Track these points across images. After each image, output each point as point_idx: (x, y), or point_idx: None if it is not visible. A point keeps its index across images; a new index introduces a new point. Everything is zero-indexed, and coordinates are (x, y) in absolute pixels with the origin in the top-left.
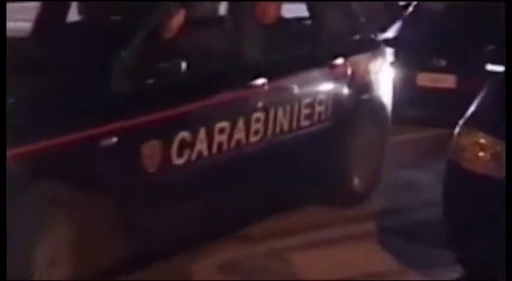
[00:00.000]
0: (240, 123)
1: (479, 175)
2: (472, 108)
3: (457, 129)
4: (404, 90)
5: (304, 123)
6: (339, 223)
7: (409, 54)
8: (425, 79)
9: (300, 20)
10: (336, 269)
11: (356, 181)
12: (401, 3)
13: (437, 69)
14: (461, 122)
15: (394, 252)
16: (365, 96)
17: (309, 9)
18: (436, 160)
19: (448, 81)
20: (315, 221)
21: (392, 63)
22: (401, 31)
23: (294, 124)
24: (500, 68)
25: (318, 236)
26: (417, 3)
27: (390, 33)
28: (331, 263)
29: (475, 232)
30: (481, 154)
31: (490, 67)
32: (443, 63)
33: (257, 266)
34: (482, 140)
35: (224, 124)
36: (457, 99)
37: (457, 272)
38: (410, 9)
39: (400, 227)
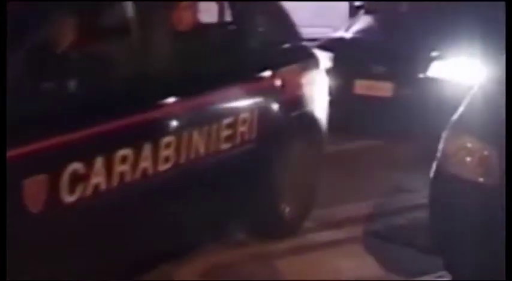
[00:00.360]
0: (147, 150)
1: (466, 180)
2: (459, 111)
3: (444, 133)
4: (342, 98)
5: (225, 146)
6: (324, 228)
7: (347, 60)
8: (362, 87)
9: (221, 25)
10: (322, 274)
11: (287, 209)
12: (357, 3)
13: (375, 77)
14: (448, 125)
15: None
16: (296, 113)
17: (232, 12)
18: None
19: (385, 89)
20: (303, 226)
21: (329, 70)
22: (343, 34)
23: (212, 148)
24: (439, 75)
25: (303, 240)
26: (367, 5)
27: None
28: (317, 268)
29: (461, 238)
30: (468, 158)
31: (430, 74)
32: (381, 70)
33: (242, 272)
34: (469, 145)
35: (126, 152)
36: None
37: (445, 278)
38: (361, 11)
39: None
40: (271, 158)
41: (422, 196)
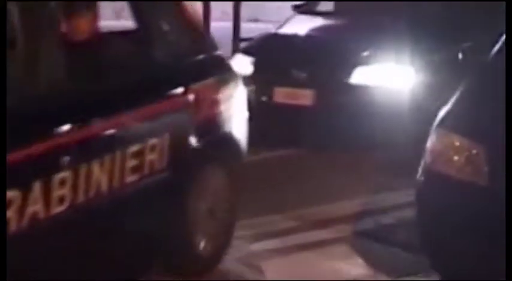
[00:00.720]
0: (36, 191)
1: (453, 179)
2: (446, 109)
3: (431, 132)
4: (262, 106)
5: (131, 178)
6: (310, 228)
7: (268, 66)
8: (282, 94)
9: (125, 34)
10: (309, 275)
11: (202, 244)
12: (297, 3)
13: (296, 84)
14: (435, 124)
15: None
16: (212, 135)
17: (136, 18)
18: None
19: (305, 97)
20: (286, 226)
21: (250, 76)
22: (268, 38)
23: (116, 182)
24: (364, 82)
25: (289, 241)
26: (302, 5)
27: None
28: (304, 269)
29: (449, 238)
30: (455, 157)
31: (352, 81)
32: (302, 76)
33: (227, 274)
34: (457, 143)
35: (11, 194)
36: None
37: (433, 277)
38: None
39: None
40: (184, 188)
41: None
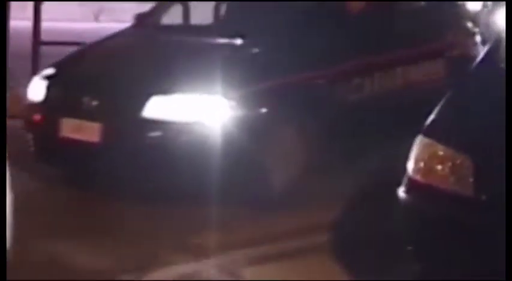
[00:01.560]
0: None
1: (437, 189)
2: (430, 118)
3: (415, 141)
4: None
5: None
6: (294, 235)
7: (59, 91)
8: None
9: None
10: None
11: None
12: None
13: (84, 115)
14: (421, 131)
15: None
16: None
17: None
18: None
19: (92, 131)
20: (269, 233)
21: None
22: (73, 56)
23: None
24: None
25: (272, 249)
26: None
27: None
28: (287, 278)
29: (437, 247)
30: (439, 167)
31: (145, 114)
32: (92, 106)
33: None
34: (440, 153)
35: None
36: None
37: None
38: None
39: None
40: None
41: None
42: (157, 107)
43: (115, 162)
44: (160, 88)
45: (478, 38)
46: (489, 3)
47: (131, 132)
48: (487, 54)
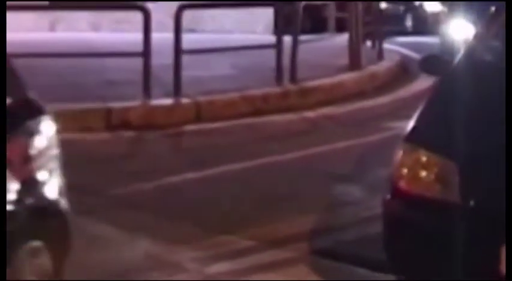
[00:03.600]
0: None
1: (422, 196)
2: (412, 123)
3: (398, 146)
4: None
5: None
6: (268, 247)
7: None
8: None
9: None
10: None
11: None
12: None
13: None
14: (403, 137)
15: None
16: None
17: None
18: None
19: None
20: (243, 246)
21: None
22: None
23: None
24: None
25: (246, 262)
26: None
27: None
28: None
29: (421, 257)
30: (423, 173)
31: None
32: None
33: None
34: (423, 158)
35: None
36: None
37: None
38: None
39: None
40: None
41: None
42: None
43: None
44: None
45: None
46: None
47: None
48: (465, 54)
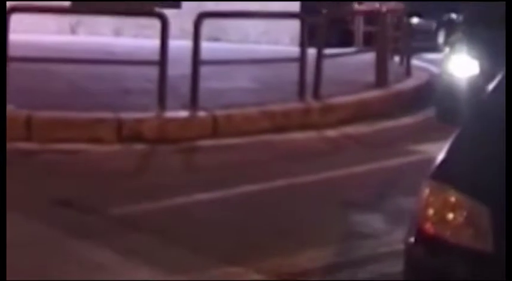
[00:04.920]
0: None
1: (449, 242)
2: (441, 158)
3: (423, 184)
4: None
5: None
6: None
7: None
8: None
9: None
10: None
11: None
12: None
13: None
14: (428, 174)
15: None
16: None
17: None
18: None
19: None
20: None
21: None
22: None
23: None
24: None
25: None
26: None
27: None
28: None
29: None
30: (451, 216)
31: None
32: None
33: None
34: (453, 199)
35: None
36: None
37: None
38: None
39: None
40: None
41: None
42: None
43: None
44: None
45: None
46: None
47: None
48: (498, 84)
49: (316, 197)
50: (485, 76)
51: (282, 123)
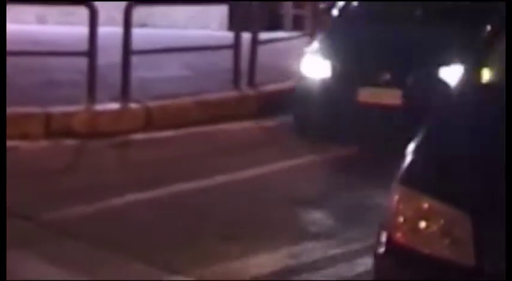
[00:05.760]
0: None
1: (423, 254)
2: (408, 159)
3: (392, 190)
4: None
5: None
6: None
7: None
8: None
9: None
10: None
11: None
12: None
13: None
14: (396, 178)
15: None
16: None
17: None
18: None
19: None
20: None
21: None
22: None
23: None
24: None
25: None
26: (345, 6)
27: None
28: None
29: None
30: (423, 225)
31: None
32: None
33: None
34: (425, 206)
35: None
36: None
37: None
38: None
39: None
40: None
41: None
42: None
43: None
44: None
45: None
46: None
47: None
48: (464, 76)
49: (259, 193)
50: (337, 78)
51: (217, 113)
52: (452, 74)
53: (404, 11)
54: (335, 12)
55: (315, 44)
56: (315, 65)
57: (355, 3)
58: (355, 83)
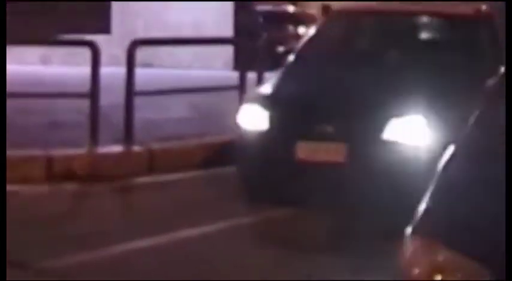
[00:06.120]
0: None
1: None
2: (422, 208)
3: (406, 239)
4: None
5: None
6: None
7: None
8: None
9: None
10: None
11: None
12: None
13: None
14: (410, 227)
15: None
16: None
17: None
18: None
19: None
20: None
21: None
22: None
23: None
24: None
25: None
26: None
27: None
28: None
29: None
30: (439, 277)
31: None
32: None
33: None
34: (441, 258)
35: None
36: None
37: None
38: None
39: None
40: None
41: None
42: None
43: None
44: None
45: None
46: None
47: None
48: (480, 115)
49: (263, 240)
50: (274, 131)
51: (221, 156)
52: (405, 126)
53: (360, 57)
54: (289, 58)
55: (255, 92)
56: (252, 116)
57: (310, 50)
58: (293, 137)
